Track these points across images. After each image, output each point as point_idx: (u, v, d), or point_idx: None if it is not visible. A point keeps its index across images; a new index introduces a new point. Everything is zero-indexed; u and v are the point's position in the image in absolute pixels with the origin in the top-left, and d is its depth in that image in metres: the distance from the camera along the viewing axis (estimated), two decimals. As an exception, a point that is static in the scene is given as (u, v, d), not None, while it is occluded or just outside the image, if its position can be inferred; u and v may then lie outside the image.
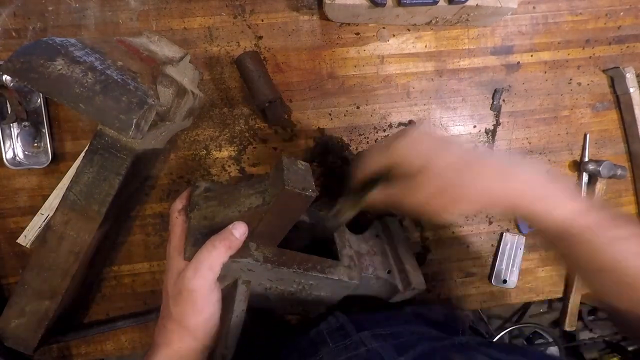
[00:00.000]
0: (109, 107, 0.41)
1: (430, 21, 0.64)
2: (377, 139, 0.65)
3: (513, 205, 0.40)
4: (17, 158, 0.60)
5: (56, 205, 0.51)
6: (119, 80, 0.42)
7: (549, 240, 0.43)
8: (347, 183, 0.49)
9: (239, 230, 0.42)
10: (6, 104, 0.57)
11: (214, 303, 0.42)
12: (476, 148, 0.46)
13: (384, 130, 0.65)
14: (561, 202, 0.40)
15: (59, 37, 0.43)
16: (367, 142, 0.65)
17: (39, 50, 0.41)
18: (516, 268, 0.67)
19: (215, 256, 0.40)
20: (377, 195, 0.46)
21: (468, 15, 0.62)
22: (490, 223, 0.68)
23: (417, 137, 0.43)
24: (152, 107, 0.43)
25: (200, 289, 0.41)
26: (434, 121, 0.66)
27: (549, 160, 0.68)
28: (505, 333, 1.36)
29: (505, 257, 0.67)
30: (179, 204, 0.49)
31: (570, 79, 0.69)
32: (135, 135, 0.42)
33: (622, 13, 0.69)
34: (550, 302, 1.58)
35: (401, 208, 0.44)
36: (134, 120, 0.41)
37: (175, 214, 0.48)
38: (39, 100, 0.59)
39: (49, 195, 0.59)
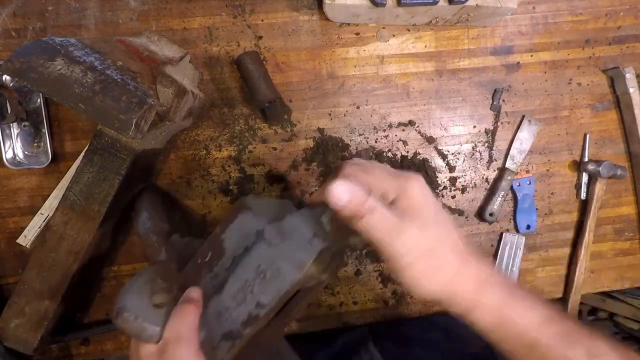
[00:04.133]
0: (109, 107, 0.41)
1: (430, 21, 0.64)
2: (377, 139, 0.65)
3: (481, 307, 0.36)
4: (17, 158, 0.60)
5: (56, 205, 0.51)
6: (118, 80, 0.42)
7: (509, 349, 0.37)
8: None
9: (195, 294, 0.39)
10: (6, 104, 0.56)
11: None
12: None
13: (384, 130, 0.65)
14: (529, 310, 0.35)
15: (58, 37, 0.43)
16: (367, 142, 0.65)
17: (39, 50, 0.41)
18: (516, 268, 0.67)
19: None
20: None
21: (468, 15, 0.62)
22: (490, 223, 0.68)
23: (427, 188, 0.37)
24: (152, 107, 0.43)
25: None
26: (434, 121, 0.66)
27: (549, 160, 0.68)
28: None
29: (505, 257, 0.67)
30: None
31: (570, 79, 0.69)
32: (135, 135, 0.42)
33: (622, 13, 0.69)
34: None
35: (379, 245, 0.35)
36: (134, 120, 0.41)
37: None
38: (39, 100, 0.59)
39: (48, 195, 0.59)
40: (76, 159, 0.59)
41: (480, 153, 0.67)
